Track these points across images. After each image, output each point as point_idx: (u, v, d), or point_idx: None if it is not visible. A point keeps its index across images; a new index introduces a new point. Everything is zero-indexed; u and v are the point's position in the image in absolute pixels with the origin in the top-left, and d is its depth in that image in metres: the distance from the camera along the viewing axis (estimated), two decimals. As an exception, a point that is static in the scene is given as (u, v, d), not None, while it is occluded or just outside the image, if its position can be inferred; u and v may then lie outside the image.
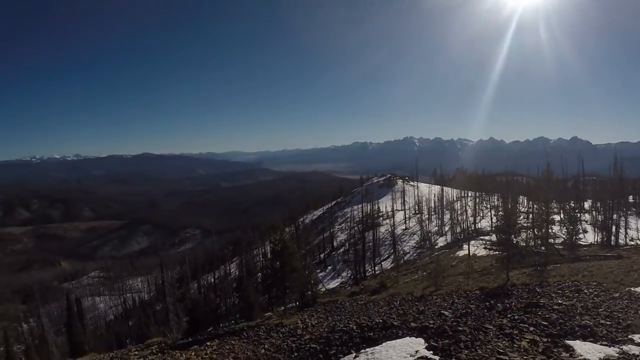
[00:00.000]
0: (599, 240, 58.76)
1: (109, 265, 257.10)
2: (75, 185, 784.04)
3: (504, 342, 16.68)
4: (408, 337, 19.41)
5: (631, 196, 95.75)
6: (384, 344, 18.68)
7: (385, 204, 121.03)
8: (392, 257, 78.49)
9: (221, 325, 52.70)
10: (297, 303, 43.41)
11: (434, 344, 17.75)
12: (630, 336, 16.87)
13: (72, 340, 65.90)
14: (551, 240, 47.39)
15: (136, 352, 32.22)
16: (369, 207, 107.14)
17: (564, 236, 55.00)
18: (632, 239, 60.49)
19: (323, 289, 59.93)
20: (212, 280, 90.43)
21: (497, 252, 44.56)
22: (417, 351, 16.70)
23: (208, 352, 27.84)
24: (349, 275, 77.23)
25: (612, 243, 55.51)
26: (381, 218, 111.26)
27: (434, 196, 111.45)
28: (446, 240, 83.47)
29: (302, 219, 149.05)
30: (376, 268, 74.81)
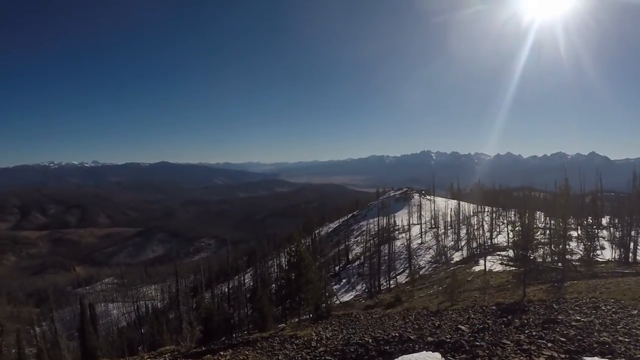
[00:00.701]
0: (616, 257, 58.14)
1: (124, 272, 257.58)
2: (92, 191, 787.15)
3: (521, 357, 16.52)
4: (425, 351, 19.27)
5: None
6: (400, 357, 18.56)
7: (401, 218, 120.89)
8: (408, 271, 78.16)
9: (234, 335, 52.60)
10: (312, 315, 43.23)
11: (450, 358, 17.63)
12: (649, 354, 16.68)
13: (85, 345, 66.08)
14: (568, 257, 47.00)
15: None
16: (384, 220, 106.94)
17: (581, 252, 54.49)
18: (649, 256, 59.89)
19: (337, 302, 59.72)
20: (226, 290, 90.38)
21: (513, 268, 44.22)
22: (434, 365, 16.60)
23: (221, 361, 27.77)
24: (363, 288, 76.95)
25: (630, 260, 54.95)
26: (397, 232, 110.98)
27: (451, 211, 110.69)
28: (462, 255, 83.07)
29: (317, 230, 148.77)
30: (391, 282, 74.49)
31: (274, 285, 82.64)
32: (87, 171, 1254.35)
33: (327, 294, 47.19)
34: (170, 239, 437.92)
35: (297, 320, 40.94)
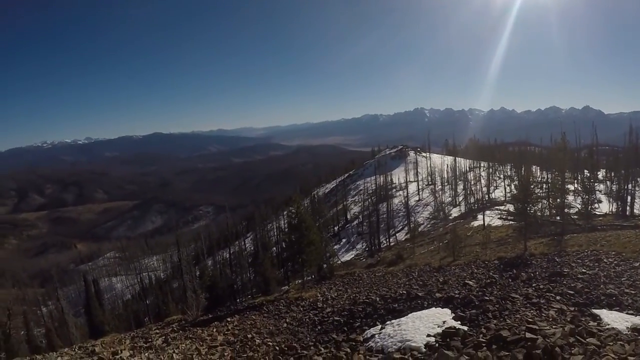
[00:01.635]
0: (613, 210, 58.37)
1: (124, 245, 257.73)
2: (87, 168, 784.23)
3: (532, 311, 16.60)
4: (434, 308, 19.32)
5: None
6: (409, 315, 18.59)
7: (397, 176, 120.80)
8: (407, 228, 78.58)
9: (238, 300, 52.84)
10: (315, 276, 43.38)
11: (461, 314, 17.69)
12: (655, 305, 16.77)
13: (92, 321, 66.56)
14: (566, 210, 47.03)
15: (157, 331, 32.27)
16: (381, 179, 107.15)
17: (579, 206, 54.59)
18: (646, 209, 60.18)
19: (338, 262, 59.97)
20: (228, 256, 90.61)
21: (513, 222, 44.26)
22: (444, 322, 16.62)
23: (230, 327, 27.80)
24: (363, 247, 77.27)
25: (627, 213, 55.17)
26: (394, 190, 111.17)
27: (447, 167, 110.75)
28: (460, 210, 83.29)
29: (315, 192, 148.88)
30: (391, 240, 74.80)
31: (274, 248, 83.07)
32: (81, 148, 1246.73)
33: (328, 255, 47.35)
34: (168, 210, 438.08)
35: (300, 282, 41.07)
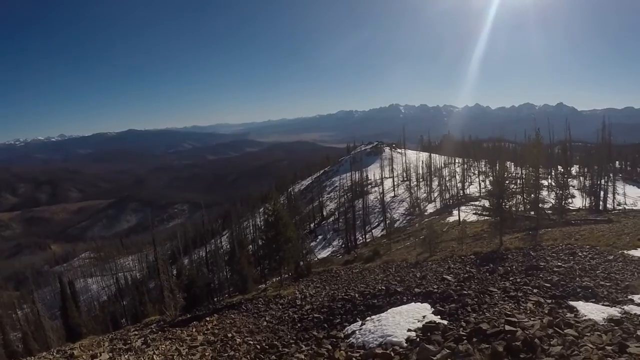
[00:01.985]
0: (587, 205, 59.39)
1: (99, 245, 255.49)
2: (61, 166, 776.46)
3: (510, 304, 16.88)
4: (413, 303, 19.55)
5: (617, 162, 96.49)
6: (389, 310, 18.80)
7: (373, 172, 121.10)
8: (382, 224, 78.91)
9: (215, 299, 52.80)
10: (292, 274, 43.42)
11: (440, 308, 17.91)
12: (630, 296, 17.21)
13: (68, 324, 65.99)
14: (541, 205, 47.56)
15: (136, 332, 32.14)
16: (357, 175, 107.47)
17: (553, 201, 55.23)
18: (619, 204, 61.25)
19: (315, 259, 60.10)
20: (204, 255, 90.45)
21: (487, 218, 44.67)
22: (424, 316, 16.85)
23: (209, 327, 27.75)
24: (340, 244, 77.56)
25: (601, 208, 56.10)
26: (370, 186, 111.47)
27: (422, 163, 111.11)
28: (435, 206, 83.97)
29: (290, 189, 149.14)
30: (367, 236, 75.17)
31: (250, 246, 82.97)
32: (54, 145, 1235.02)
33: (305, 252, 47.41)
34: (144, 208, 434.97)
35: (278, 279, 41.14)
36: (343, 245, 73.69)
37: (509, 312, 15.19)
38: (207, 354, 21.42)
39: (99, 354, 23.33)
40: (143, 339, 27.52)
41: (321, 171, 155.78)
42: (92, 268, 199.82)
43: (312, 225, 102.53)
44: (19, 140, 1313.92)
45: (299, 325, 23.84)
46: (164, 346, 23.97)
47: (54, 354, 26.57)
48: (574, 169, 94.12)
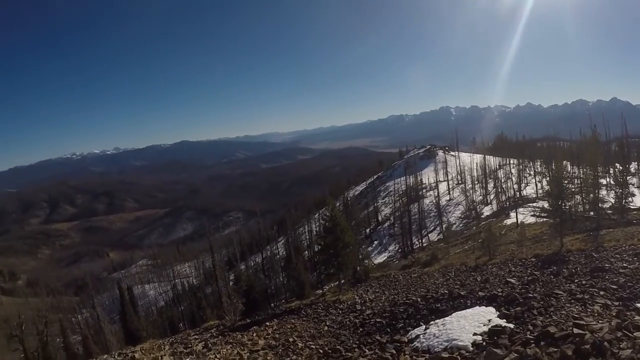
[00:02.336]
0: (648, 203, 57.83)
1: (156, 253, 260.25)
2: (117, 178, 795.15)
3: (577, 307, 16.57)
4: (477, 307, 19.36)
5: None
6: (453, 314, 18.68)
7: (427, 176, 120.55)
8: (439, 228, 78.50)
9: (272, 304, 53.11)
10: (349, 279, 43.39)
11: (505, 311, 17.70)
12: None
13: (127, 328, 67.44)
14: (600, 205, 46.48)
15: (196, 336, 32.49)
16: (411, 179, 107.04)
17: (612, 200, 53.98)
18: (682, 202, 59.47)
19: (372, 264, 60.00)
20: (260, 261, 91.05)
21: (546, 219, 43.95)
22: (489, 320, 16.70)
23: (270, 331, 27.91)
24: (396, 248, 77.36)
25: (663, 206, 54.61)
26: (424, 190, 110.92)
27: (476, 165, 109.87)
28: (492, 209, 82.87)
29: (344, 194, 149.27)
30: (423, 240, 74.73)
31: (306, 252, 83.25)
32: (110, 158, 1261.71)
33: (362, 257, 47.35)
34: (199, 216, 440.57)
35: (335, 284, 41.13)
36: (399, 250, 73.49)
37: (576, 315, 14.96)
38: (269, 358, 21.59)
39: (160, 357, 23.71)
40: (204, 342, 27.84)
41: (375, 176, 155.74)
42: (149, 274, 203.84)
43: (367, 230, 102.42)
44: (75, 153, 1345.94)
45: (360, 329, 23.80)
46: (225, 350, 24.20)
47: (115, 356, 27.07)
48: (633, 166, 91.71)
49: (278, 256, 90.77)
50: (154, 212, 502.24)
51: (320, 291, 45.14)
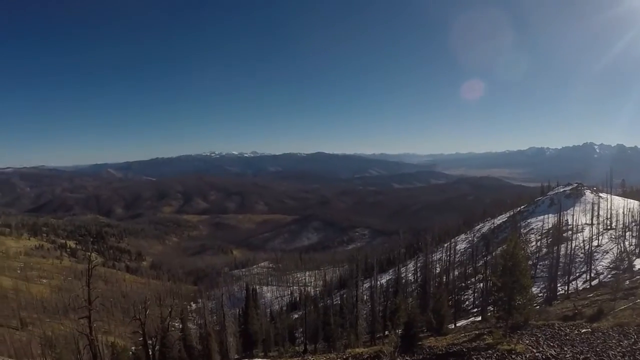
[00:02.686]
0: None
1: (279, 257, 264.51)
2: (251, 180, 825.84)
3: None
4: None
5: None
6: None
7: (573, 217, 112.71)
8: (585, 276, 72.16)
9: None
10: (505, 323, 38.73)
11: None
12: None
13: (247, 329, 66.34)
14: None
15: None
16: (555, 218, 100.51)
17: None
18: None
19: (536, 307, 55.01)
20: (385, 283, 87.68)
21: None
22: None
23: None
24: (538, 292, 71.43)
25: None
26: (569, 232, 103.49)
27: (629, 211, 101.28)
28: (645, 262, 75.16)
29: (478, 226, 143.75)
30: (568, 288, 68.40)
31: (437, 280, 78.86)
32: (247, 161, 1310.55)
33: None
34: (325, 228, 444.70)
35: (470, 321, 36.79)
36: (543, 295, 67.53)
37: None
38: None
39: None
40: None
41: (515, 210, 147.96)
42: (269, 277, 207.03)
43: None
44: (215, 152, 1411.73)
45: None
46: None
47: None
48: None
49: (404, 280, 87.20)
50: (282, 217, 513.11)
51: (475, 332, 40.77)
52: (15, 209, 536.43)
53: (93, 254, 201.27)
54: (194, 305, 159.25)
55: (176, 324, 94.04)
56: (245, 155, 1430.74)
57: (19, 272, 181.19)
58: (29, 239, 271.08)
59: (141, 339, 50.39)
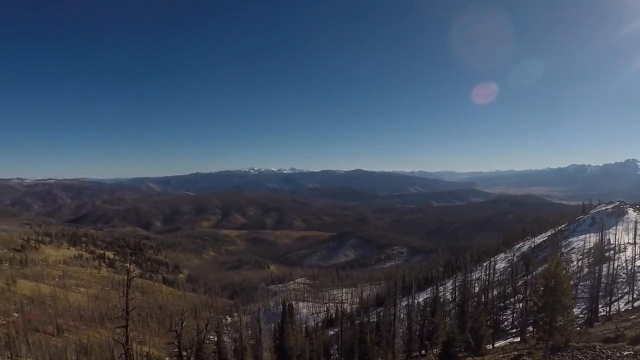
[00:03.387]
0: None
1: (316, 273, 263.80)
2: (289, 196, 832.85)
3: None
4: None
5: None
6: None
7: (615, 236, 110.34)
8: (628, 297, 70.27)
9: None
10: (544, 345, 37.79)
11: None
12: None
13: (282, 345, 66.29)
14: None
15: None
16: (596, 237, 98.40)
17: None
18: None
19: (577, 328, 53.79)
20: (422, 301, 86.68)
21: None
22: None
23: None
24: (577, 313, 69.80)
25: None
26: (612, 251, 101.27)
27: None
28: (690, 285, 73.12)
29: (518, 245, 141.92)
30: (611, 309, 66.71)
31: (475, 299, 77.78)
32: (285, 177, 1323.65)
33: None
34: (362, 245, 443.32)
35: (508, 342, 35.98)
36: (583, 316, 65.95)
37: None
38: None
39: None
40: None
41: (556, 229, 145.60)
42: (305, 293, 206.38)
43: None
44: (254, 169, 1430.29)
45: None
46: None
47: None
48: None
49: (442, 299, 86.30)
50: (320, 234, 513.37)
51: (514, 353, 39.85)
52: (55, 219, 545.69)
53: (131, 266, 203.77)
54: (229, 319, 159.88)
55: (211, 337, 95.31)
56: (284, 171, 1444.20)
57: (57, 280, 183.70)
58: (69, 248, 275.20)
59: (176, 350, 51.07)
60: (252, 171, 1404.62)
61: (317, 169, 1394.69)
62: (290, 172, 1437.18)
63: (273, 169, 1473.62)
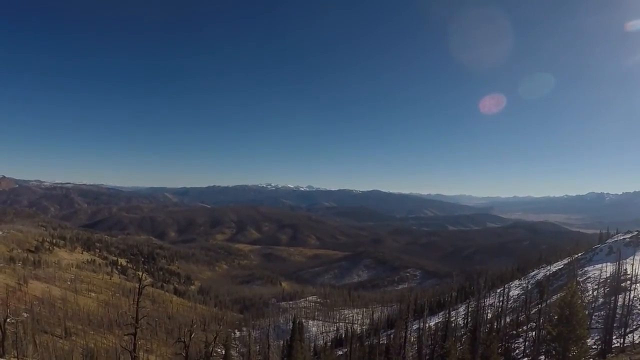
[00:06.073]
0: None
1: (327, 292, 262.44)
2: (304, 214, 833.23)
3: None
4: None
5: None
6: None
7: (632, 266, 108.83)
8: (642, 329, 68.97)
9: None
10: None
11: None
12: None
13: None
14: None
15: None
16: (613, 267, 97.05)
17: None
18: None
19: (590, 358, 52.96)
20: (434, 326, 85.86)
21: None
22: None
23: None
24: (591, 344, 68.67)
25: None
26: (628, 282, 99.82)
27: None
28: None
29: (533, 272, 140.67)
30: (625, 340, 65.54)
31: (488, 325, 76.92)
32: (302, 195, 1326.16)
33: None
34: (376, 266, 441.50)
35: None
36: (597, 347, 64.87)
37: None
38: None
39: None
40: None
41: (572, 257, 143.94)
42: (315, 312, 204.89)
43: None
44: (270, 184, 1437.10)
45: None
46: None
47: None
48: None
49: (454, 324, 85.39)
50: (333, 253, 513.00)
51: None
52: (71, 223, 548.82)
53: (143, 274, 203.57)
54: (237, 333, 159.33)
55: (219, 350, 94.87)
56: (301, 188, 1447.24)
57: (69, 283, 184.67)
58: (82, 253, 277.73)
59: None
60: (269, 187, 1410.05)
61: (334, 188, 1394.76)
62: (307, 189, 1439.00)
63: (290, 185, 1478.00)
